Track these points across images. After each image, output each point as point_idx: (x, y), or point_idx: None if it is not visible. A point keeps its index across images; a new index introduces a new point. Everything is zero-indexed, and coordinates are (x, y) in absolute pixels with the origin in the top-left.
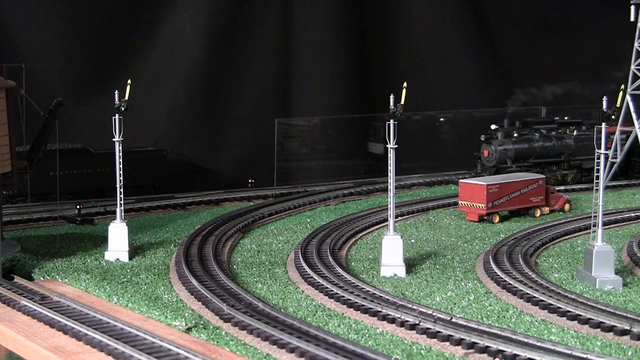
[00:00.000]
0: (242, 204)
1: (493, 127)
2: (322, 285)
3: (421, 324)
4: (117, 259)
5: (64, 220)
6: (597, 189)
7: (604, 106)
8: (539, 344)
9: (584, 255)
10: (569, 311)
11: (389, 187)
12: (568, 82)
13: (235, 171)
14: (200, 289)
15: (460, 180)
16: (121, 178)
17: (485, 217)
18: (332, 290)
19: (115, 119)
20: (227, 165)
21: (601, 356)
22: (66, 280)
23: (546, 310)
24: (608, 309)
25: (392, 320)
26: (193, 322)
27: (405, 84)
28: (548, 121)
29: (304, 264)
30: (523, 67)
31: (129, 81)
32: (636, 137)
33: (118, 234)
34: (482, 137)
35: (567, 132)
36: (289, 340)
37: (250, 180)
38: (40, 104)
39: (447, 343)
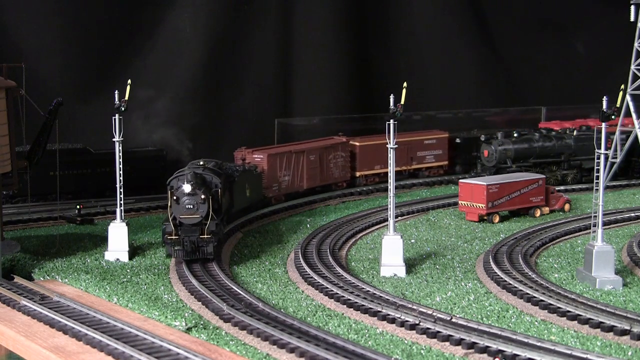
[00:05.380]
0: None
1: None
2: (322, 285)
3: (421, 324)
4: (117, 259)
5: (64, 220)
6: (597, 189)
7: (604, 106)
8: (539, 344)
9: (584, 255)
10: (569, 311)
11: (389, 187)
12: (567, 82)
13: None
14: (200, 289)
15: (460, 180)
16: (121, 178)
17: (485, 217)
18: (332, 290)
19: (115, 119)
20: None
21: (601, 356)
22: (66, 280)
23: (546, 310)
24: (608, 309)
25: (392, 320)
26: (193, 322)
27: (405, 84)
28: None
29: (304, 264)
30: (523, 67)
31: (129, 81)
32: (636, 137)
33: (118, 234)
34: (482, 137)
35: (567, 132)
36: (289, 340)
37: None
38: (40, 104)
39: (447, 343)
